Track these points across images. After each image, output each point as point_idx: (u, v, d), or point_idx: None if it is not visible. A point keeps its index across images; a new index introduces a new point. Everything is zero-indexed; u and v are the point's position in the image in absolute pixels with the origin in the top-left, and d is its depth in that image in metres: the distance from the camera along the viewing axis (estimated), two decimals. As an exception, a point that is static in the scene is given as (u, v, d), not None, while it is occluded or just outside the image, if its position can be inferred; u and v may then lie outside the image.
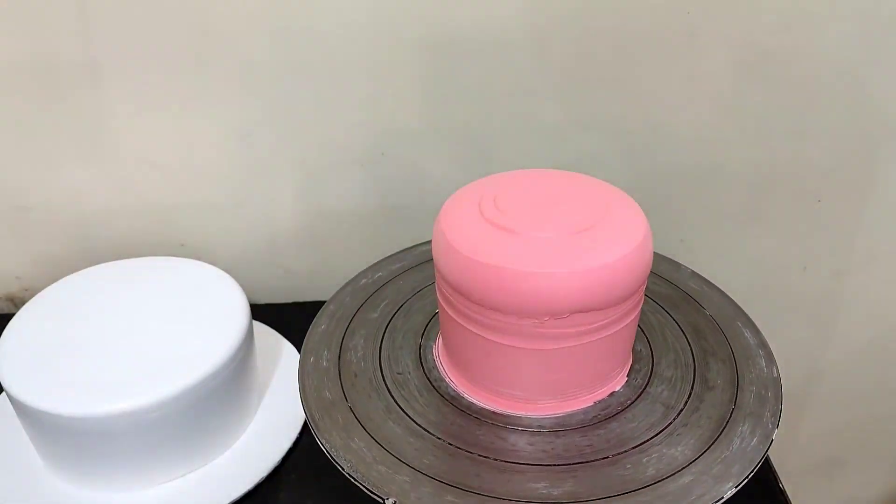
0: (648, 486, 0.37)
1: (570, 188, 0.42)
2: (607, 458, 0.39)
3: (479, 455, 0.39)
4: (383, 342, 0.47)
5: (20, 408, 0.46)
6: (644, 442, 0.40)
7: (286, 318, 0.64)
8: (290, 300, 0.69)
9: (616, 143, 0.64)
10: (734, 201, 0.68)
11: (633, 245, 0.38)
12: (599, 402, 0.43)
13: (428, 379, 0.44)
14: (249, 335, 0.52)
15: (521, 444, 0.40)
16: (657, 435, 0.40)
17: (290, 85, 0.60)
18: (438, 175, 0.65)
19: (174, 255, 0.58)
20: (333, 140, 0.63)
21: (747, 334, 0.47)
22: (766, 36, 0.59)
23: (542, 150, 0.64)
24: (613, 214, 0.40)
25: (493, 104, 0.62)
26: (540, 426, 0.41)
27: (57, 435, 0.46)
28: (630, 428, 0.41)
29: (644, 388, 0.43)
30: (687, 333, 0.47)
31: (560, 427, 0.41)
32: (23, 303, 0.66)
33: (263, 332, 0.62)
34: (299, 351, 0.47)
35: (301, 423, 0.54)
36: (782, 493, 0.50)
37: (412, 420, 0.41)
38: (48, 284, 0.55)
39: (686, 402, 0.42)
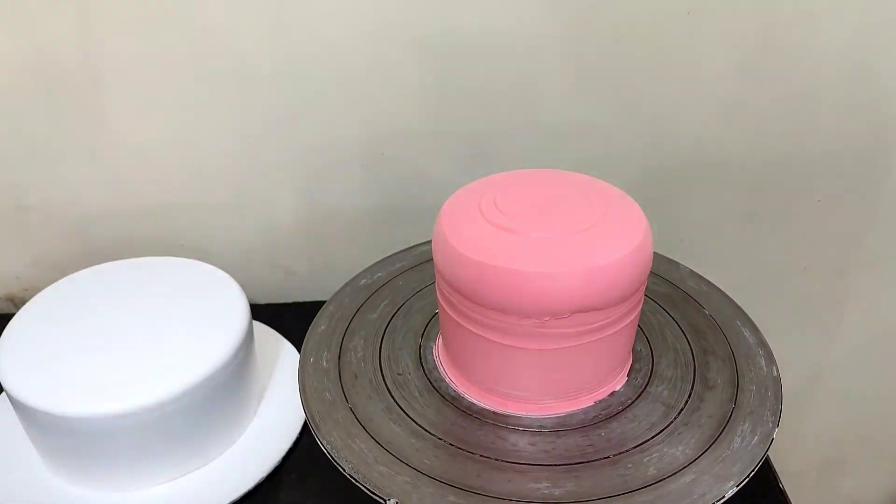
0: (650, 485, 0.37)
1: (570, 188, 0.42)
2: (608, 457, 0.39)
3: (481, 455, 0.39)
4: (383, 343, 0.47)
5: (20, 408, 0.46)
6: (645, 441, 0.40)
7: (286, 318, 0.64)
8: (290, 300, 0.69)
9: (616, 143, 0.64)
10: (734, 201, 0.68)
11: (633, 245, 0.38)
12: (600, 401, 0.43)
13: (428, 379, 0.44)
14: (249, 335, 0.52)
15: (522, 444, 0.40)
16: (658, 434, 0.40)
17: (290, 85, 0.60)
18: (438, 175, 0.65)
19: (174, 255, 0.58)
20: (333, 140, 0.63)
21: (746, 333, 0.47)
22: (766, 35, 0.59)
23: (542, 150, 0.64)
24: (613, 214, 0.40)
25: (493, 104, 0.62)
26: (541, 426, 0.41)
27: (57, 435, 0.46)
28: (631, 427, 0.41)
29: (644, 388, 0.43)
30: (686, 333, 0.47)
31: (561, 427, 0.41)
32: (23, 303, 0.66)
33: (263, 332, 0.62)
34: (299, 351, 0.47)
35: (301, 423, 0.54)
36: (782, 493, 0.50)
37: (413, 421, 0.41)
38: (48, 284, 0.55)
39: (686, 402, 0.42)
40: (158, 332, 0.50)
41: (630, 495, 0.37)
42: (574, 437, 0.40)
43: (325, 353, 0.46)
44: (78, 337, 0.50)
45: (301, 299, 0.69)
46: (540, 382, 0.41)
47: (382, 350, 0.46)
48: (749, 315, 0.48)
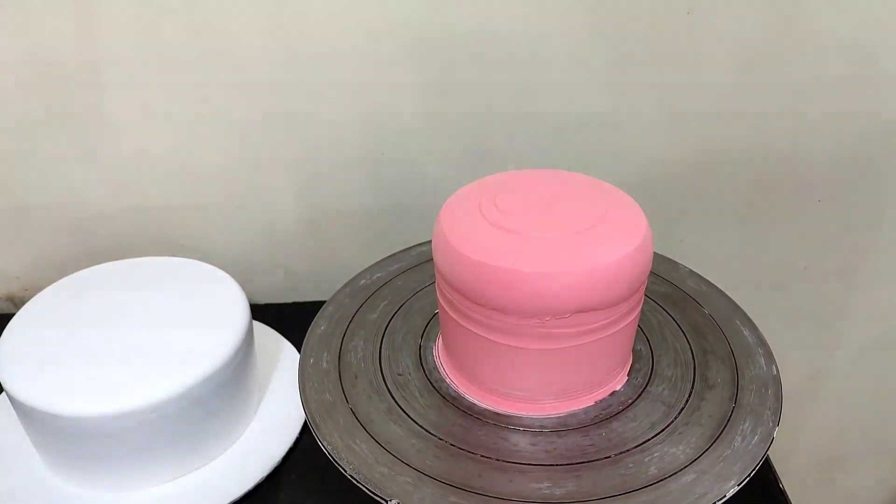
0: (651, 485, 0.37)
1: (570, 188, 0.42)
2: (609, 457, 0.39)
3: (482, 455, 0.39)
4: (383, 343, 0.47)
5: (20, 408, 0.46)
6: (645, 441, 0.40)
7: (286, 318, 0.64)
8: (290, 300, 0.69)
9: (616, 143, 0.64)
10: (734, 201, 0.68)
11: (633, 245, 0.38)
12: (600, 401, 0.43)
13: (429, 380, 0.44)
14: (249, 335, 0.52)
15: (523, 444, 0.40)
16: (658, 434, 0.40)
17: (290, 85, 0.60)
18: (438, 175, 0.65)
19: (174, 255, 0.58)
20: (333, 140, 0.63)
21: (746, 332, 0.47)
22: (766, 35, 0.59)
23: (541, 151, 0.64)
24: (613, 214, 0.40)
25: (492, 104, 0.62)
26: (542, 426, 0.41)
27: (57, 435, 0.46)
28: (631, 427, 0.41)
29: (645, 388, 0.43)
30: (686, 332, 0.47)
31: (562, 427, 0.41)
32: (23, 303, 0.66)
33: (263, 332, 0.62)
34: (299, 351, 0.47)
35: (301, 423, 0.54)
36: (782, 493, 0.50)
37: (413, 421, 0.41)
38: (48, 284, 0.55)
39: (687, 401, 0.42)
40: (158, 333, 0.50)
41: (631, 495, 0.37)
42: (575, 437, 0.40)
43: (324, 354, 0.46)
44: (78, 337, 0.50)
45: (301, 299, 0.69)
46: (540, 382, 0.41)
47: (382, 350, 0.46)
48: (749, 315, 0.48)
